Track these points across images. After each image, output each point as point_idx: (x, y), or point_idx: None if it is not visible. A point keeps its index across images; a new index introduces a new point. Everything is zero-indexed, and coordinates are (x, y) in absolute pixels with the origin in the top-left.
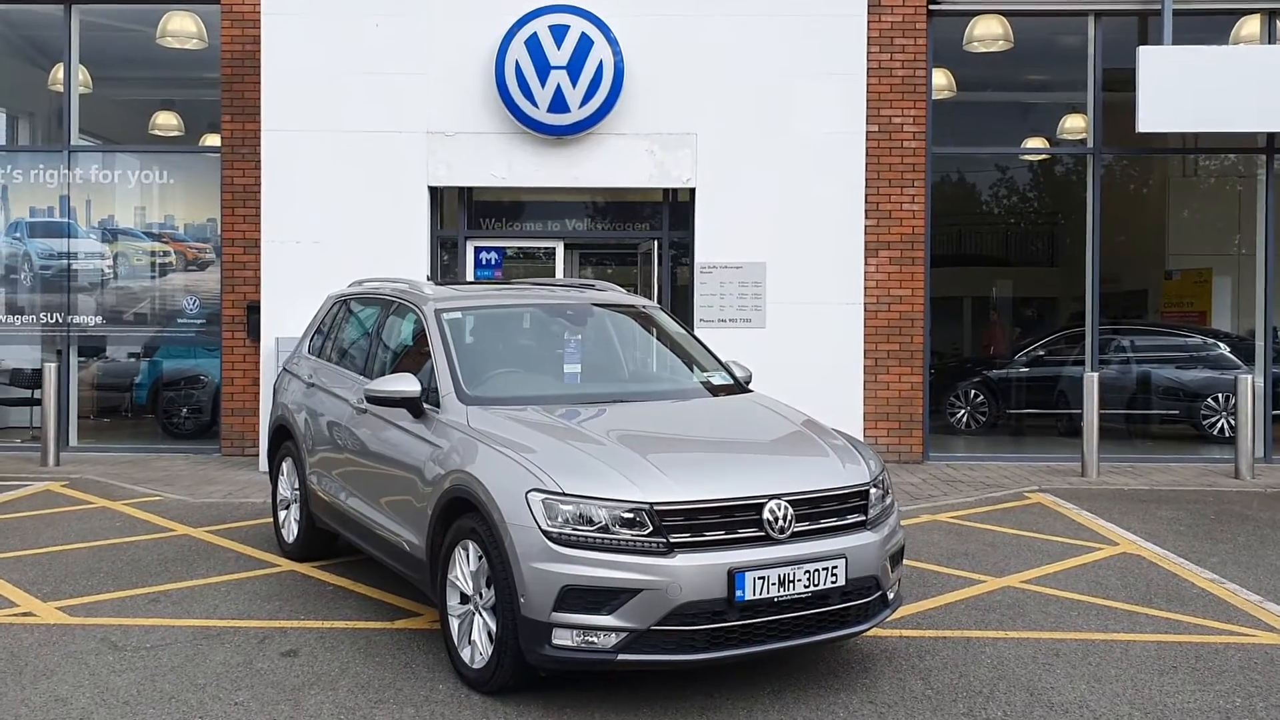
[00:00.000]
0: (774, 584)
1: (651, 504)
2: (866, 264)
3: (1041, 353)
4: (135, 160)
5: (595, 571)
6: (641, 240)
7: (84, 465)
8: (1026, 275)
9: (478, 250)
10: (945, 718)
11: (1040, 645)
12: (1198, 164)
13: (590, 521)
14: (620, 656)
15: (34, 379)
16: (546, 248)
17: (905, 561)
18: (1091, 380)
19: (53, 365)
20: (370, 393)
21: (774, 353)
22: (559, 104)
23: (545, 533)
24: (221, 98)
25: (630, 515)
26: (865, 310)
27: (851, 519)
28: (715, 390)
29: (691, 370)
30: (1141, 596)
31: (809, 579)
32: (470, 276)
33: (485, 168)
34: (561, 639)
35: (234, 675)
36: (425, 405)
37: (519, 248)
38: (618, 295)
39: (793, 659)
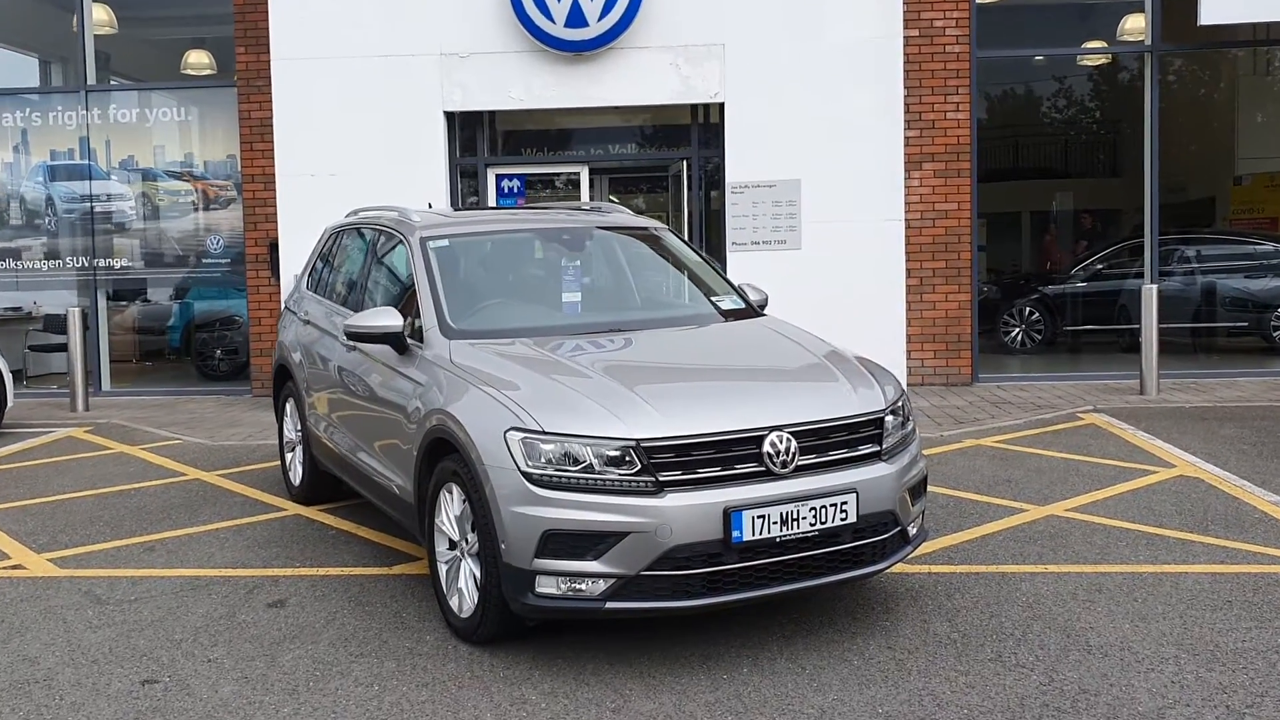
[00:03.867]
0: (775, 523)
1: (638, 440)
2: (910, 177)
3: (1100, 266)
4: (153, 98)
5: (579, 515)
6: (670, 162)
7: (113, 410)
8: (1088, 187)
9: (499, 178)
10: (970, 664)
11: (1082, 580)
12: (1270, 61)
13: (574, 461)
14: (609, 604)
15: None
16: (571, 173)
17: (943, 490)
18: (1150, 293)
19: (76, 310)
20: (350, 329)
21: (811, 274)
22: (576, 18)
23: (525, 474)
24: (235, 29)
25: (616, 453)
26: (909, 226)
27: (864, 450)
28: (725, 315)
29: (700, 295)
30: (1197, 523)
31: (815, 516)
32: (492, 204)
33: (502, 90)
34: (546, 587)
35: (214, 629)
36: (409, 340)
37: (542, 174)
38: (623, 217)
39: (809, 601)
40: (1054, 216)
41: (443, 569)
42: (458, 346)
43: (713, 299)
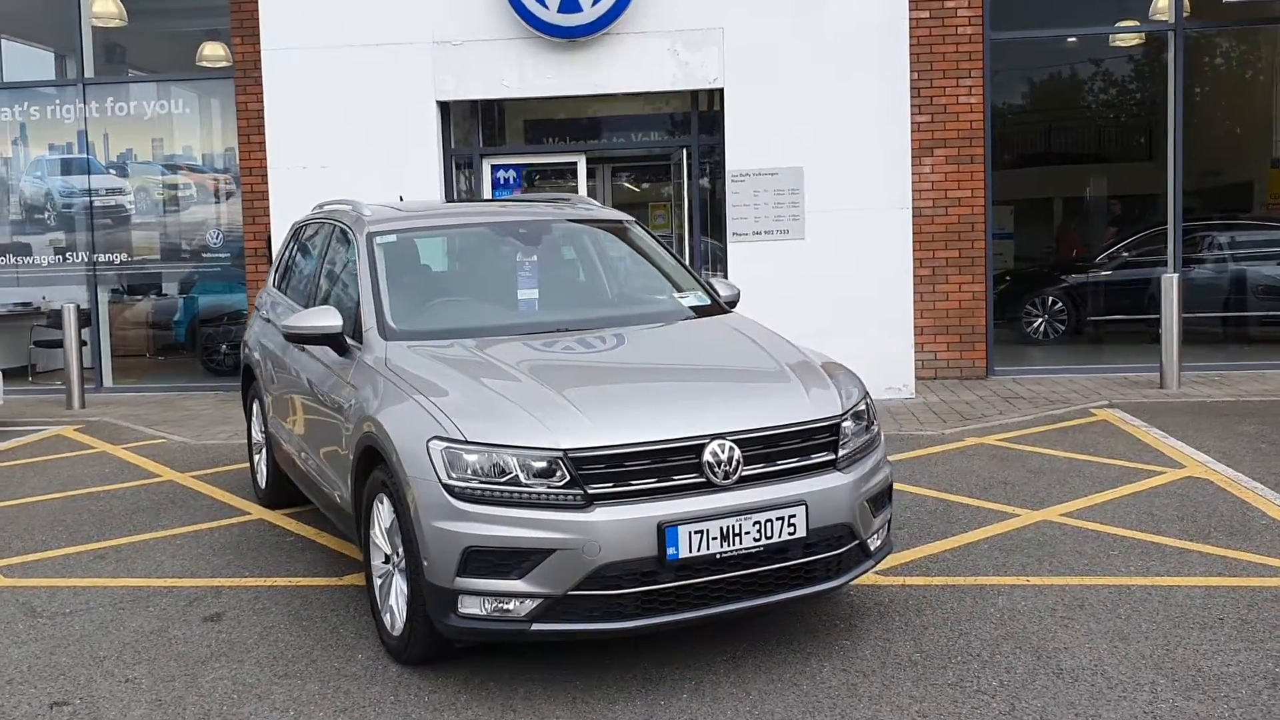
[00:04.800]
0: (715, 538)
1: (565, 450)
2: (921, 164)
3: (1126, 254)
4: (151, 90)
5: (501, 530)
6: (669, 150)
7: (110, 407)
8: (1124, 171)
9: (495, 168)
10: (927, 689)
11: (1064, 594)
12: None
13: (500, 472)
14: (534, 627)
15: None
16: (568, 163)
17: (933, 493)
18: (1171, 282)
19: (72, 306)
20: (287, 329)
21: (815, 265)
22: (569, 2)
23: (447, 487)
24: (230, 20)
25: (542, 464)
26: (920, 215)
27: (817, 458)
28: (686, 313)
29: (663, 292)
30: (1199, 530)
31: (760, 531)
32: (488, 196)
33: (495, 78)
34: (470, 607)
35: (141, 645)
36: (350, 342)
37: (539, 164)
38: (591, 210)
39: (767, 618)
40: (1089, 202)
41: (377, 583)
42: (395, 349)
43: (676, 295)
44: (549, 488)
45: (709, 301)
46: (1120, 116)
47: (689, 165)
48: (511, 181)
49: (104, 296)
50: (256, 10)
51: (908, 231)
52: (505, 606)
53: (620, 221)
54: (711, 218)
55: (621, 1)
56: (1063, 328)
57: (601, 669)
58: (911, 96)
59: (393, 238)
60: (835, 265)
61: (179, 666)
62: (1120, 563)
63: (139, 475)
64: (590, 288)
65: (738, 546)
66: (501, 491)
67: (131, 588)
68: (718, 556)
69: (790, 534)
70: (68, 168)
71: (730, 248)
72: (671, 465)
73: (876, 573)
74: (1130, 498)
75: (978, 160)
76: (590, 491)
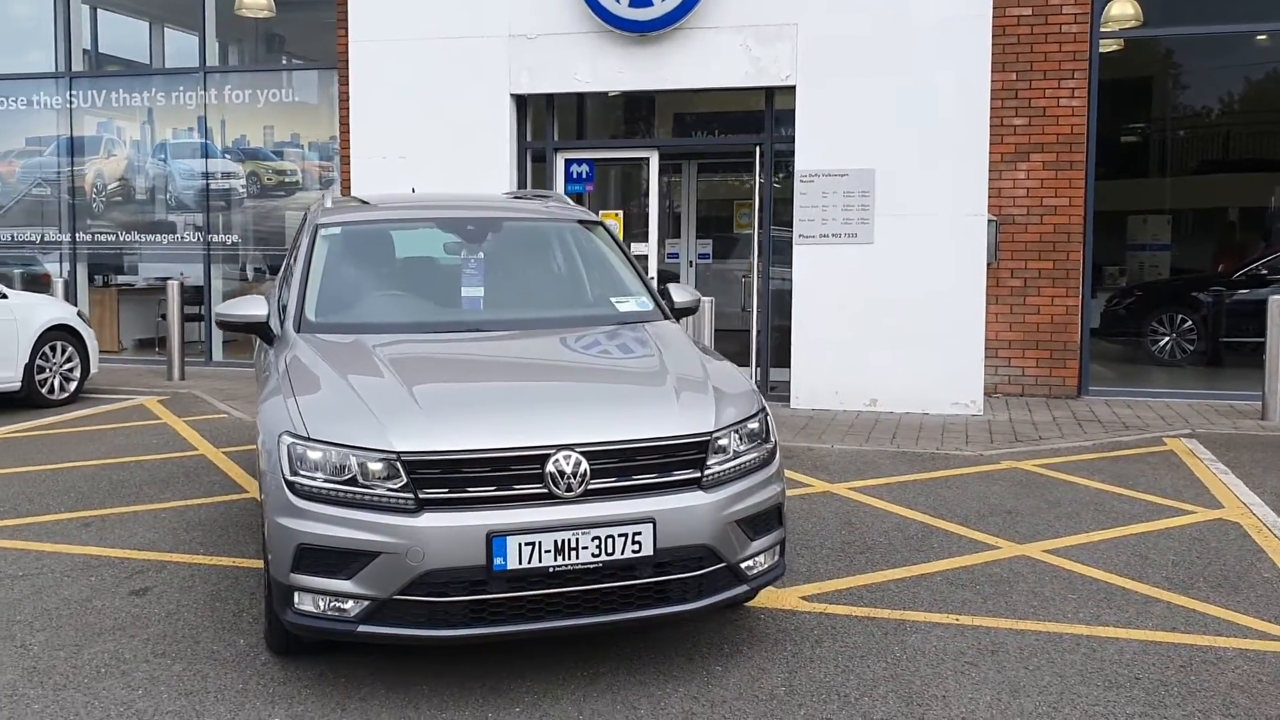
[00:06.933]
0: (548, 551)
1: (399, 453)
2: (1015, 169)
3: (1264, 271)
4: (265, 79)
5: (331, 530)
6: (741, 147)
7: (204, 380)
8: None
9: (568, 163)
10: None
11: (985, 637)
12: None
13: (339, 471)
14: (361, 628)
15: (193, 295)
16: (639, 158)
17: (922, 518)
18: (1276, 304)
19: (175, 282)
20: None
21: (883, 270)
22: None
23: (289, 483)
24: (335, 11)
25: (378, 466)
26: (1013, 223)
27: (679, 475)
28: (615, 318)
29: (604, 295)
30: (1185, 579)
31: (599, 547)
32: (560, 190)
33: (568, 72)
34: (304, 604)
35: (58, 613)
36: (277, 332)
37: (612, 159)
38: (554, 209)
39: (655, 635)
40: (1273, 213)
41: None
42: (303, 342)
43: (614, 300)
44: (385, 490)
45: (650, 308)
46: None
47: (761, 163)
48: (585, 175)
49: (216, 272)
50: None
51: (983, 240)
52: (340, 605)
53: (581, 222)
54: (790, 216)
55: None
56: (1190, 348)
57: (464, 671)
58: (1008, 97)
59: (337, 230)
60: (904, 272)
61: (76, 636)
62: (1072, 609)
63: (179, 448)
64: (527, 288)
65: (574, 561)
66: (338, 491)
67: (89, 556)
68: (551, 570)
69: (635, 552)
70: (187, 151)
71: (796, 250)
72: (512, 474)
73: (801, 598)
74: (1137, 537)
75: (1078, 167)
76: (422, 496)
